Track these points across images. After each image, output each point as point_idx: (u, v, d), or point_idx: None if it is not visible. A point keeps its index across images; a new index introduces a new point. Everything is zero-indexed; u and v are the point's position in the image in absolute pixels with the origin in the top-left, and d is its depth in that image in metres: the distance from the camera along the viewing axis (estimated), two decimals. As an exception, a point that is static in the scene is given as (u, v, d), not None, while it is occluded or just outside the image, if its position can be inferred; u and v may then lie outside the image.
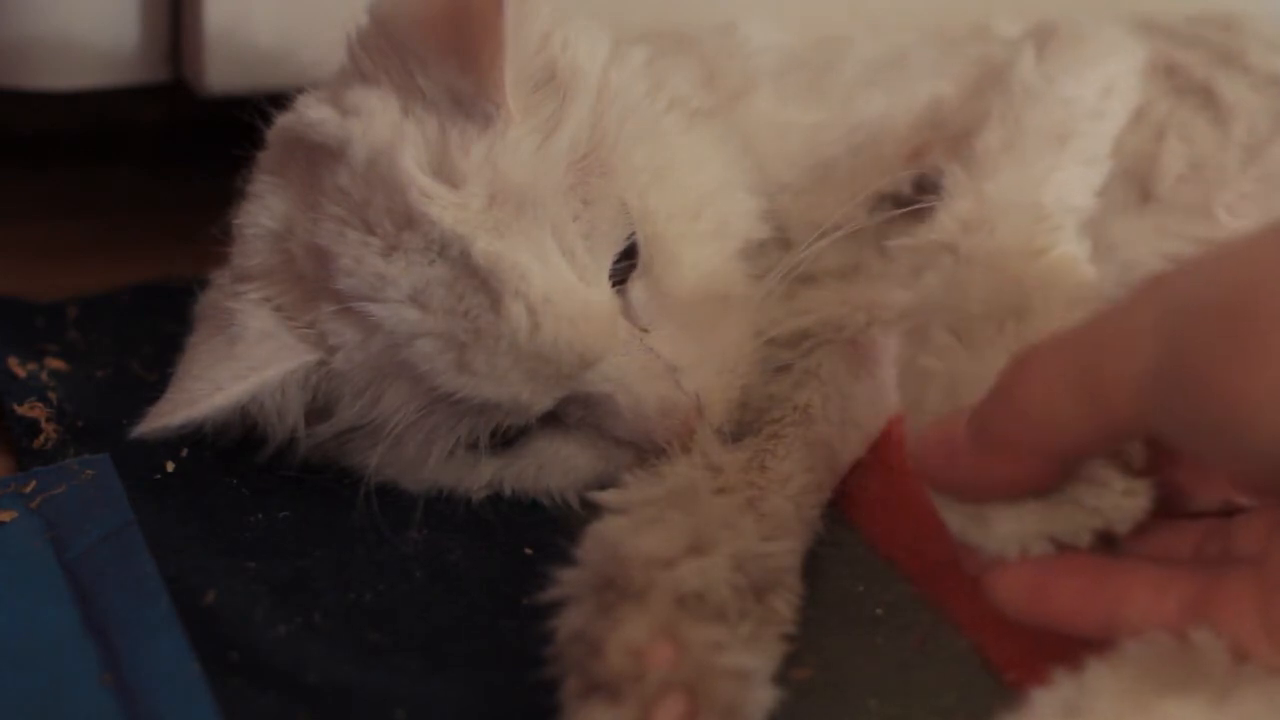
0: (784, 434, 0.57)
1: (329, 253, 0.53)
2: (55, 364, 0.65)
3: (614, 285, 0.55)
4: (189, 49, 0.72)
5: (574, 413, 0.55)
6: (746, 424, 0.58)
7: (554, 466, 0.57)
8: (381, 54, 0.55)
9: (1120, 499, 0.43)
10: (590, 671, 0.45)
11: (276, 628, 0.51)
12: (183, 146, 0.87)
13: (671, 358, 0.55)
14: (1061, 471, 0.43)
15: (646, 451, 0.55)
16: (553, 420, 0.56)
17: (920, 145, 0.62)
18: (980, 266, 0.51)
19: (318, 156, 0.55)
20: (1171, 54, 0.68)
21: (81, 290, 0.72)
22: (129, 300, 0.72)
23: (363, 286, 0.52)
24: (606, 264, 0.54)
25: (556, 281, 0.52)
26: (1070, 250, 0.52)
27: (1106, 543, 0.44)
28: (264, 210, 0.56)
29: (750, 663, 0.46)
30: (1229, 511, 0.45)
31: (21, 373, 0.64)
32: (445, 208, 0.51)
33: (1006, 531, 0.44)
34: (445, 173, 0.52)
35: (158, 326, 0.67)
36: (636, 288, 0.56)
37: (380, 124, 0.53)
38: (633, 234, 0.55)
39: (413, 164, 0.52)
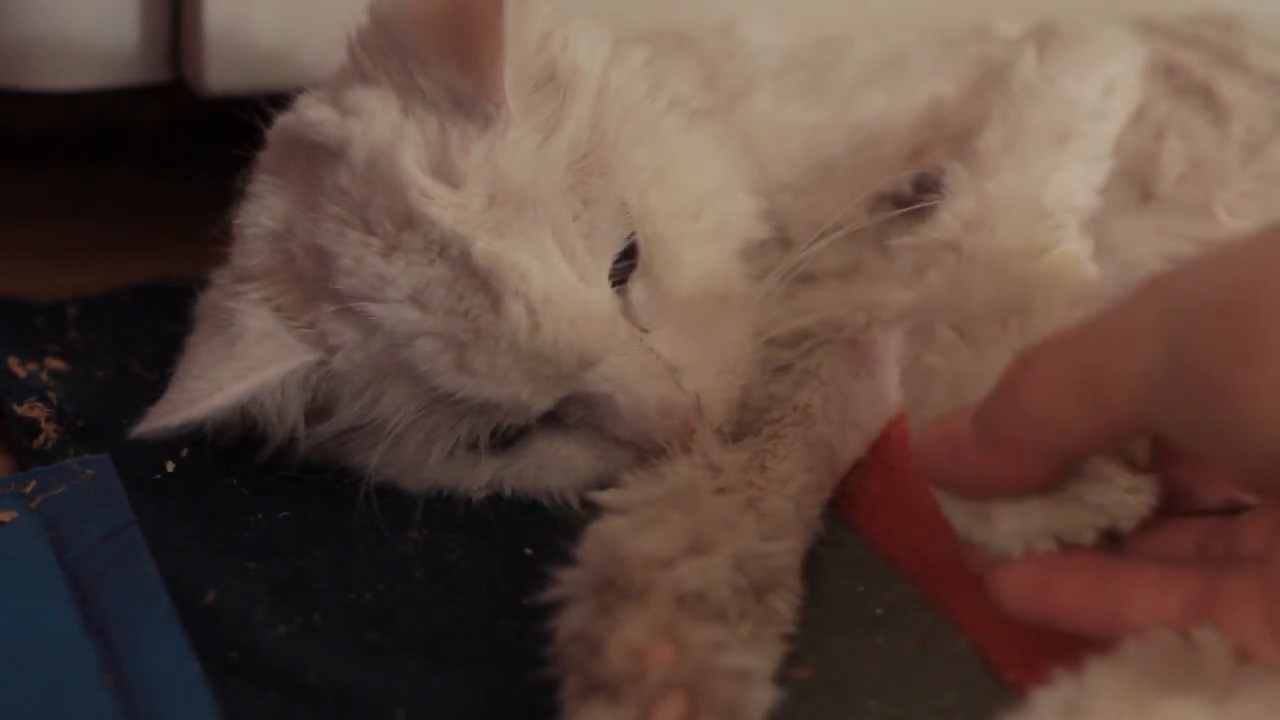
0: (784, 434, 0.57)
1: (329, 253, 0.53)
2: (55, 364, 0.65)
3: (614, 285, 0.55)
4: (189, 49, 0.72)
5: (574, 413, 0.55)
6: (746, 424, 0.58)
7: (554, 466, 0.57)
8: (381, 54, 0.55)
9: (1124, 496, 0.43)
10: (590, 671, 0.45)
11: (276, 628, 0.51)
12: (183, 146, 0.87)
13: (671, 358, 0.55)
14: (1064, 469, 0.43)
15: (646, 451, 0.55)
16: (553, 420, 0.56)
17: (920, 145, 0.62)
18: (983, 265, 0.51)
19: (318, 156, 0.55)
20: (1171, 54, 0.68)
21: (81, 290, 0.72)
22: (129, 300, 0.72)
23: (363, 286, 0.52)
24: (606, 264, 0.54)
25: (556, 281, 0.52)
26: (1072, 249, 0.52)
27: (1110, 540, 0.44)
28: (264, 210, 0.56)
29: (750, 663, 0.46)
30: (1233, 509, 0.44)
31: (21, 373, 0.64)
32: (445, 208, 0.51)
33: (1010, 529, 0.44)
34: (445, 173, 0.52)
35: (158, 326, 0.67)
36: (636, 288, 0.56)
37: (380, 124, 0.53)
38: (633, 234, 0.55)
39: (413, 164, 0.52)
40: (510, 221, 0.52)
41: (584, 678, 0.45)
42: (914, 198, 0.59)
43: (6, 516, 0.54)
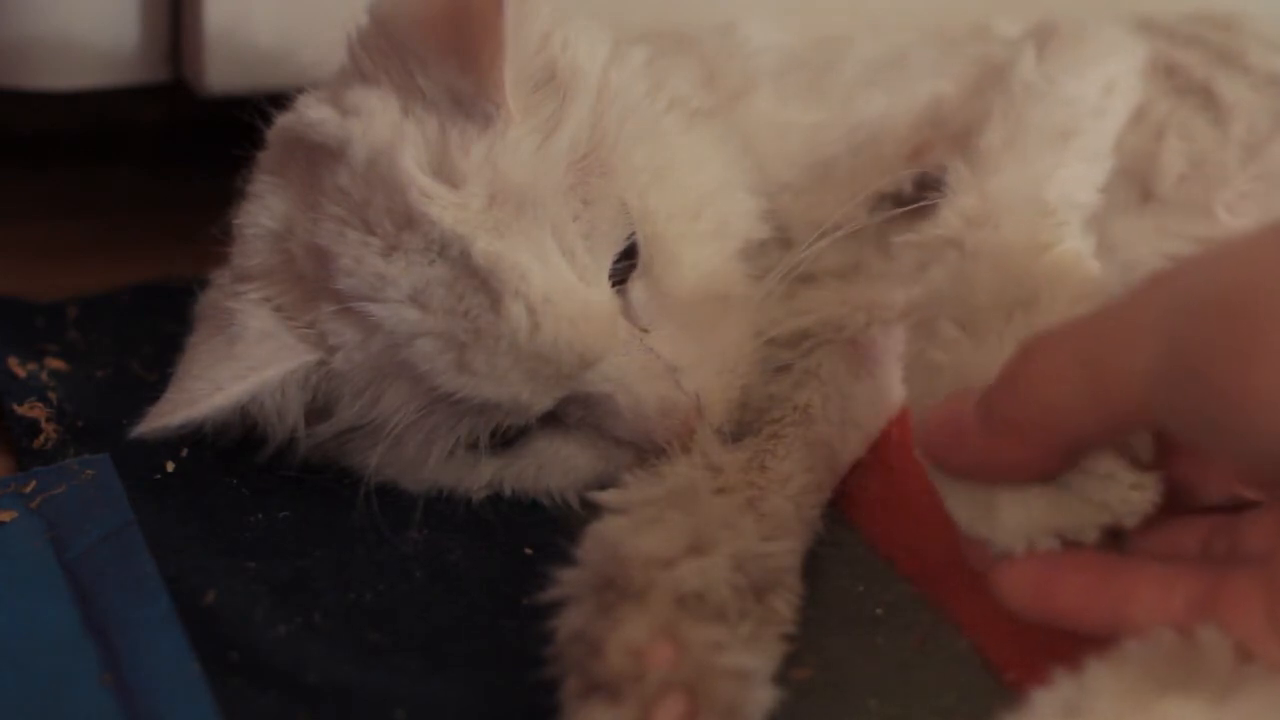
0: (784, 434, 0.57)
1: (329, 253, 0.53)
2: (55, 364, 0.65)
3: (614, 285, 0.55)
4: (189, 49, 0.72)
5: (574, 413, 0.55)
6: (746, 424, 0.58)
7: (554, 466, 0.57)
8: (381, 54, 0.55)
9: (1128, 492, 0.43)
10: (590, 671, 0.45)
11: (276, 628, 0.51)
12: (183, 146, 0.87)
13: (671, 358, 0.55)
14: (1067, 460, 0.43)
15: (646, 451, 0.55)
16: (553, 420, 0.56)
17: (920, 144, 0.63)
18: (986, 260, 0.51)
19: (318, 156, 0.55)
20: (1171, 54, 0.68)
21: (81, 290, 0.72)
22: (129, 300, 0.72)
23: (363, 286, 0.52)
24: (606, 264, 0.54)
25: (556, 281, 0.52)
26: (1075, 246, 0.52)
27: (1113, 537, 0.44)
28: (264, 210, 0.56)
29: (750, 663, 0.46)
30: (1237, 506, 0.45)
31: (21, 373, 0.64)
32: (445, 208, 0.51)
33: (1013, 524, 0.44)
34: (445, 173, 0.52)
35: (158, 326, 0.67)
36: (636, 288, 0.56)
37: (380, 124, 0.53)
38: (633, 234, 0.55)
39: (413, 164, 0.52)
40: (510, 221, 0.52)
41: (584, 678, 0.45)
42: (914, 197, 0.59)
43: (6, 516, 0.54)
